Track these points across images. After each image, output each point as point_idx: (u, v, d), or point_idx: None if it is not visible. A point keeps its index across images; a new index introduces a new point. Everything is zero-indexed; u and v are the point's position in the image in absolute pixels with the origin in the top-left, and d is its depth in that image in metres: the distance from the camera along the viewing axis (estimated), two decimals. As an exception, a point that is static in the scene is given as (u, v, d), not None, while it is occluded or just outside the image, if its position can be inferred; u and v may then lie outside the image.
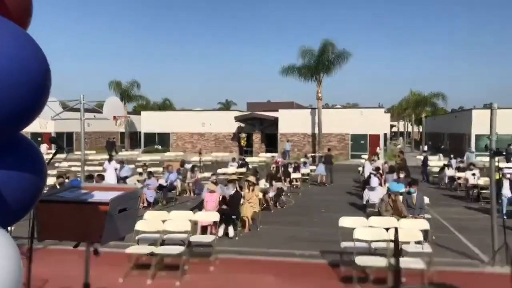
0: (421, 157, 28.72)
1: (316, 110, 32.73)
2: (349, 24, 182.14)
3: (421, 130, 50.38)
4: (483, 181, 14.60)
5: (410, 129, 54.72)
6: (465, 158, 22.17)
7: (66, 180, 11.23)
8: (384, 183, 14.35)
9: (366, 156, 24.31)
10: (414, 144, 47.63)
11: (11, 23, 1.80)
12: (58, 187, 9.71)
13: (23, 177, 2.01)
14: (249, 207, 10.60)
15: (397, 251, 4.20)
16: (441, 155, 25.86)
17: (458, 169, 18.41)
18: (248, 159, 24.84)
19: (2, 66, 1.64)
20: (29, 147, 2.15)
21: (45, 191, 2.44)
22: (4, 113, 1.68)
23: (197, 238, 8.27)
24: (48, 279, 6.65)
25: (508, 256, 7.50)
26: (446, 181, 18.35)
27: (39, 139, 31.60)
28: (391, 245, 6.15)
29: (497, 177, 11.23)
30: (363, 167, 16.94)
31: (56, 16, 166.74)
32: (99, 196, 3.22)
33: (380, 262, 6.56)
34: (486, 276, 7.27)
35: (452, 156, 22.30)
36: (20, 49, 1.74)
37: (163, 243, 7.62)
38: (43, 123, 9.38)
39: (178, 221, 7.93)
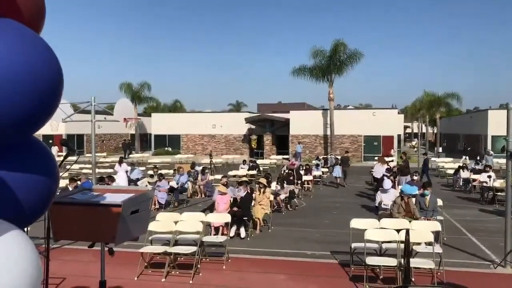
0: (435, 159, 28.69)
1: (328, 111, 32.62)
2: (362, 25, 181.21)
3: (435, 131, 49.79)
4: (499, 183, 14.40)
5: (424, 130, 54.17)
6: (484, 161, 21.88)
7: (78, 183, 11.37)
8: (397, 185, 14.24)
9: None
10: (429, 146, 47.14)
11: (24, 27, 1.82)
12: (70, 190, 9.84)
13: (36, 179, 2.05)
14: (260, 209, 10.67)
15: (408, 251, 4.19)
16: (466, 157, 25.15)
17: (473, 171, 18.18)
18: (258, 161, 24.85)
19: (14, 71, 1.66)
20: (42, 150, 2.20)
21: (57, 193, 2.50)
22: (17, 116, 1.72)
23: (209, 238, 8.35)
24: (65, 277, 6.77)
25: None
26: (461, 183, 18.15)
27: (50, 141, 32.00)
28: (402, 246, 6.13)
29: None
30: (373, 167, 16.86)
31: (67, 18, 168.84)
32: (111, 198, 3.29)
33: (390, 262, 6.56)
34: (496, 277, 7.22)
35: (478, 158, 22.02)
36: (32, 53, 1.75)
37: (176, 243, 7.71)
38: (54, 125, 9.48)
39: (190, 222, 8.02)
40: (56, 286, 6.44)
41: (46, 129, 3.14)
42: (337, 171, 19.83)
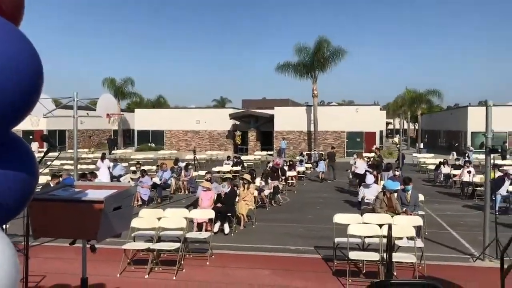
0: (417, 155, 29.12)
1: (312, 107, 32.79)
2: (345, 22, 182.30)
3: (417, 127, 50.51)
4: (478, 178, 14.68)
5: (406, 127, 54.91)
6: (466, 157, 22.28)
7: (60, 179, 11.20)
8: (380, 181, 14.41)
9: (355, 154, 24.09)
10: (410, 142, 47.77)
11: (1, 18, 1.78)
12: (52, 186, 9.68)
13: (15, 175, 2.00)
14: (244, 205, 10.67)
15: (390, 246, 4.25)
16: (454, 153, 25.48)
17: (454, 166, 18.52)
18: (243, 157, 24.85)
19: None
20: (20, 146, 2.15)
21: (38, 190, 2.45)
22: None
23: (193, 234, 8.33)
24: (45, 275, 6.66)
25: (498, 251, 7.58)
26: (442, 178, 18.47)
27: (31, 137, 31.41)
28: (384, 240, 6.21)
29: (493, 175, 11.25)
30: (355, 163, 16.98)
31: (49, 11, 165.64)
32: (93, 194, 3.24)
33: (372, 256, 6.64)
34: (476, 270, 7.37)
35: (466, 154, 22.39)
36: (10, 46, 1.69)
37: (159, 239, 7.66)
38: (34, 121, 9.29)
39: (173, 218, 7.98)
40: (37, 284, 6.34)
41: (26, 125, 3.08)
42: (322, 166, 20.09)
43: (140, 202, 13.39)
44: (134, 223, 7.47)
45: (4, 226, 2.13)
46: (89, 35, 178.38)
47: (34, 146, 28.14)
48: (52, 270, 6.94)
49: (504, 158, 23.91)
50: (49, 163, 7.01)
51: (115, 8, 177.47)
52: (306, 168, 21.41)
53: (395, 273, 6.76)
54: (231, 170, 19.91)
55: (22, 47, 1.79)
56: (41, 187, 9.22)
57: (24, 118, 1.94)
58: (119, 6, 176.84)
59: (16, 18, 2.06)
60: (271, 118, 34.32)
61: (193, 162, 21.82)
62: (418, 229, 7.68)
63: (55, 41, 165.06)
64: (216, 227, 9.69)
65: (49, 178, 11.31)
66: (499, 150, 7.69)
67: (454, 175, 17.29)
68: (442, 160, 19.75)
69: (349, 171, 18.36)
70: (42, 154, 4.43)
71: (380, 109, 37.41)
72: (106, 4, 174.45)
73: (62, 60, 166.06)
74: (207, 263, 7.59)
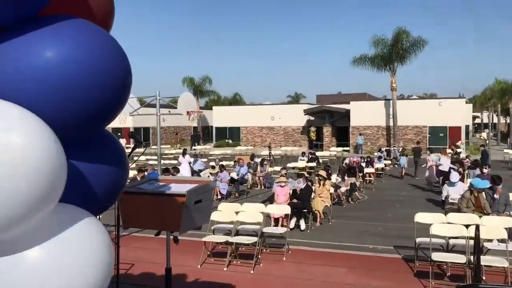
0: (509, 151, 26.82)
1: (391, 101, 31.53)
2: (426, 10, 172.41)
3: (508, 121, 46.41)
4: None
5: (495, 120, 50.69)
6: None
7: (145, 173, 11.89)
8: (466, 179, 13.49)
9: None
10: (501, 137, 44.01)
11: (94, 25, 1.94)
12: (138, 180, 10.32)
13: (109, 170, 2.18)
14: (320, 201, 10.57)
15: (477, 248, 3.97)
16: None
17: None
18: (318, 153, 24.59)
19: (87, 68, 1.77)
20: (113, 142, 2.33)
21: (126, 183, 2.63)
22: (91, 111, 1.83)
23: (270, 229, 8.42)
24: (133, 263, 7.14)
25: None
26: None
27: (119, 134, 33.77)
28: (471, 242, 5.81)
29: None
30: (439, 159, 16.02)
31: (131, 15, 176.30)
32: (176, 188, 3.42)
33: (458, 258, 6.24)
34: None
35: None
36: (103, 51, 1.85)
37: (237, 233, 7.86)
38: (122, 119, 10.03)
39: (250, 213, 8.13)
40: (126, 271, 6.82)
41: (115, 123, 3.33)
42: (403, 162, 19.39)
43: (219, 196, 13.83)
44: (214, 216, 7.71)
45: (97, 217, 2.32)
46: (168, 35, 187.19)
47: (122, 142, 30.10)
48: (139, 259, 7.42)
49: None
50: (135, 158, 7.48)
51: (192, 6, 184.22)
52: (385, 165, 20.66)
53: (483, 278, 6.31)
54: (306, 166, 19.81)
55: (113, 51, 1.94)
56: (129, 181, 9.87)
57: (117, 115, 2.10)
58: (195, 3, 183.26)
59: (107, 24, 2.24)
60: (347, 113, 33.54)
61: (268, 158, 22.03)
62: (510, 231, 7.09)
63: (136, 41, 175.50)
64: (292, 223, 9.71)
65: (135, 172, 12.05)
66: None
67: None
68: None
69: (424, 166, 17.42)
70: (129, 150, 4.77)
71: (466, 102, 34.88)
72: (182, 2, 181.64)
73: (145, 59, 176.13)
74: (284, 258, 7.65)
